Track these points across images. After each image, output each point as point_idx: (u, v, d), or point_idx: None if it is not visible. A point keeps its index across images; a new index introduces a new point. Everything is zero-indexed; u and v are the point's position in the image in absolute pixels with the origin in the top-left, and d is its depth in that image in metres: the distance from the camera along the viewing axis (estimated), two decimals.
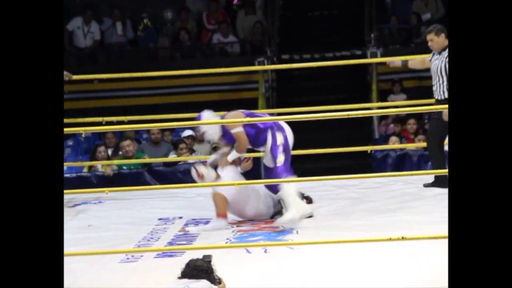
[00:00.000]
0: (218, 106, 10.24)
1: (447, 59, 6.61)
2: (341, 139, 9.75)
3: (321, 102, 8.64)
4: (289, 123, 6.41)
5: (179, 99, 11.64)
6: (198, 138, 6.13)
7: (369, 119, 10.57)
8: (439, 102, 6.70)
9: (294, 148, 6.96)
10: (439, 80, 6.71)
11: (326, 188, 7.19)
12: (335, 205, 6.59)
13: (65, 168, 9.04)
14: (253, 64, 10.91)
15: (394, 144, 8.72)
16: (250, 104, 10.51)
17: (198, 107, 10.23)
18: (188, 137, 8.77)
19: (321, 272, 4.90)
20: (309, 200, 6.55)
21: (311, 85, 11.56)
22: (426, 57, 6.94)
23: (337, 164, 9.33)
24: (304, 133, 10.18)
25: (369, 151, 8.19)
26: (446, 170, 5.77)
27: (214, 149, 7.80)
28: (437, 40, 6.69)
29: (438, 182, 6.82)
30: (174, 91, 11.70)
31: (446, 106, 5.28)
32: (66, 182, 8.00)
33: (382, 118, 10.43)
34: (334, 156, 8.91)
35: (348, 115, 5.97)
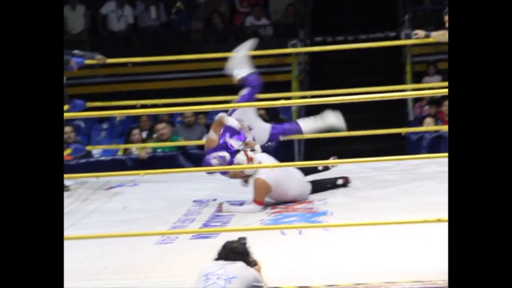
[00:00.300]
0: None
1: None
2: (375, 121, 9.69)
3: (354, 84, 8.59)
4: (323, 106, 6.41)
5: (212, 82, 11.64)
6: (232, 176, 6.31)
7: (403, 101, 10.49)
8: None
9: (328, 130, 6.96)
10: None
11: (361, 170, 7.16)
12: (370, 187, 6.57)
13: (100, 151, 9.13)
14: (286, 47, 10.87)
15: (429, 126, 8.65)
16: (283, 87, 10.51)
17: (232, 90, 10.24)
18: None
19: (356, 254, 4.90)
20: (345, 180, 6.56)
21: (344, 68, 11.50)
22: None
23: (372, 146, 9.29)
24: None
25: (403, 133, 8.15)
26: None
27: None
28: None
29: None
30: (207, 74, 11.70)
31: None
32: (101, 165, 8.09)
33: (417, 100, 10.36)
34: (368, 138, 8.87)
35: (382, 97, 5.96)
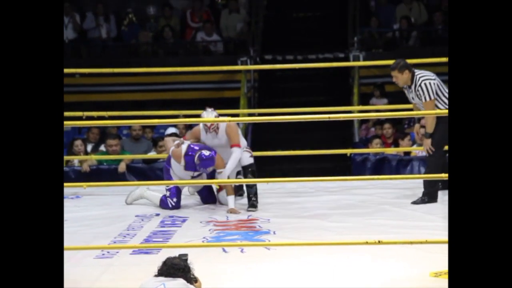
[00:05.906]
0: (199, 104, 10.22)
1: (417, 91, 6.51)
2: (321, 141, 9.76)
3: (302, 103, 8.64)
4: (270, 124, 6.42)
5: (161, 96, 11.61)
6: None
7: (350, 122, 10.58)
8: None
9: (275, 148, 6.98)
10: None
11: (306, 189, 7.19)
12: (313, 207, 6.59)
13: None
14: (236, 64, 10.90)
15: (376, 145, 8.68)
16: (231, 103, 10.53)
17: (181, 104, 10.22)
18: (171, 134, 8.72)
19: (297, 273, 4.90)
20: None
21: (293, 87, 11.56)
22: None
23: (317, 165, 9.34)
24: (285, 134, 10.20)
25: (348, 154, 8.20)
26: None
27: None
28: (401, 76, 6.56)
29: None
30: (156, 88, 11.67)
31: None
32: None
33: (363, 121, 10.45)
34: (313, 158, 8.92)
35: (329, 117, 5.98)
